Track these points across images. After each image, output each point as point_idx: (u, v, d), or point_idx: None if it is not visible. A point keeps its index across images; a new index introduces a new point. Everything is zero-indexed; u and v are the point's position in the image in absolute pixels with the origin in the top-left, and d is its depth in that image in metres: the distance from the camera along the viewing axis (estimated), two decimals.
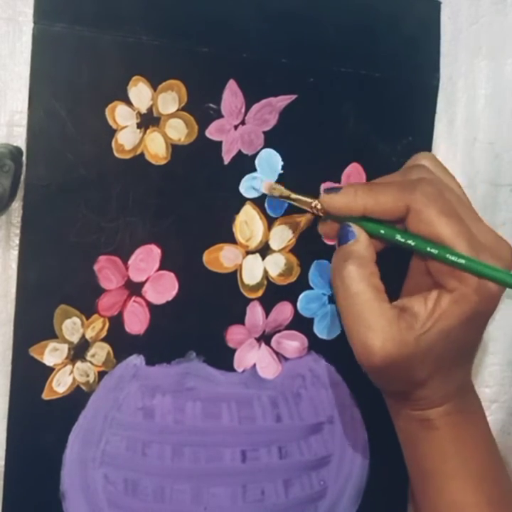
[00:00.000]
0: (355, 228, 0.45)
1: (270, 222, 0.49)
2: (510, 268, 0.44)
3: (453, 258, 0.42)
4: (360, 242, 0.45)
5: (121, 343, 0.47)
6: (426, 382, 0.44)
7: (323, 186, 0.49)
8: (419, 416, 0.46)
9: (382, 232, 0.45)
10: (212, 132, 0.48)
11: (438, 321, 0.42)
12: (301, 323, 0.50)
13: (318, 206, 0.47)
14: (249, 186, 0.48)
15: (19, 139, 0.46)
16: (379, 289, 0.44)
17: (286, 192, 0.47)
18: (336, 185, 0.48)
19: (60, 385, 0.46)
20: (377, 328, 0.42)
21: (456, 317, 0.42)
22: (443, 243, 0.42)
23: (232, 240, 0.48)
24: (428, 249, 0.43)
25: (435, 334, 0.42)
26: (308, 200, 0.47)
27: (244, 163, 0.48)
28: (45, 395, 0.46)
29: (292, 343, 0.50)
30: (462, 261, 0.42)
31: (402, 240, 0.44)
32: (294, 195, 0.47)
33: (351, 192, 0.45)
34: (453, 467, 0.46)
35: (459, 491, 0.45)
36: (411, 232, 0.44)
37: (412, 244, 0.44)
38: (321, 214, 0.47)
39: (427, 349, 0.43)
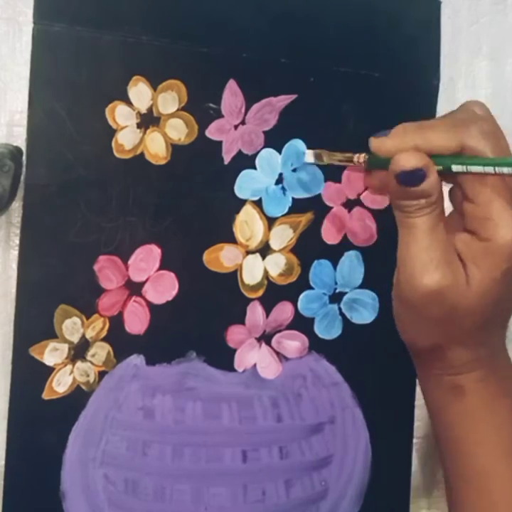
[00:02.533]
0: (426, 167, 0.41)
1: (270, 221, 0.48)
2: None
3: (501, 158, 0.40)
4: (432, 184, 0.41)
5: (121, 342, 0.46)
6: (464, 339, 0.43)
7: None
8: (449, 381, 0.44)
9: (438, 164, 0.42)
10: (212, 132, 0.47)
11: (491, 269, 0.41)
12: (301, 323, 0.49)
13: (361, 160, 0.45)
14: (248, 187, 0.48)
15: (19, 139, 0.45)
16: (441, 229, 0.42)
17: (331, 155, 0.47)
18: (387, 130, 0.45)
19: (60, 384, 0.45)
20: (437, 261, 0.41)
21: (499, 270, 0.41)
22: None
23: (232, 239, 0.48)
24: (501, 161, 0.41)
25: (487, 282, 0.41)
26: (353, 155, 0.46)
27: (245, 163, 0.48)
28: (46, 395, 0.45)
29: (293, 343, 0.49)
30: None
31: (469, 161, 0.42)
32: (339, 155, 0.47)
33: (400, 132, 0.43)
34: (483, 435, 0.44)
35: (489, 459, 0.44)
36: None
37: (484, 161, 0.41)
38: (365, 167, 0.46)
39: (476, 297, 0.41)
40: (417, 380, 0.48)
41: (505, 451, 0.44)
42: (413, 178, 0.41)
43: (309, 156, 0.48)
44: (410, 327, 0.44)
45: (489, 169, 0.41)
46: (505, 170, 0.40)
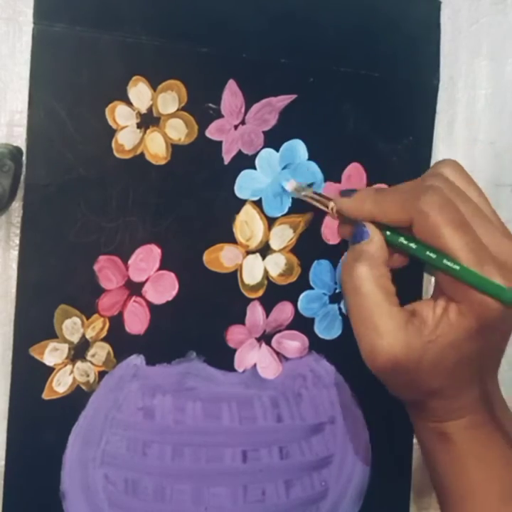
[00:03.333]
0: (370, 228, 0.44)
1: (270, 221, 0.48)
2: None
3: (449, 264, 0.40)
4: (374, 243, 0.43)
5: (121, 342, 0.46)
6: (438, 393, 0.42)
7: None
8: (436, 428, 0.44)
9: (388, 233, 0.44)
10: (212, 132, 0.47)
11: (446, 332, 0.41)
12: (301, 323, 0.49)
13: (335, 209, 0.46)
14: (248, 186, 0.48)
15: (19, 139, 0.45)
16: (389, 291, 0.42)
17: (310, 192, 0.47)
18: (353, 189, 0.47)
19: (60, 384, 0.45)
20: (385, 330, 0.41)
21: (464, 330, 0.40)
22: (445, 252, 0.40)
23: (232, 239, 0.47)
24: (427, 253, 0.41)
25: (444, 344, 0.41)
26: (326, 202, 0.46)
27: (245, 163, 0.47)
28: (46, 395, 0.45)
29: (293, 343, 0.49)
30: (457, 267, 0.40)
31: (405, 243, 0.43)
32: (317, 196, 0.47)
33: (360, 198, 0.44)
34: (472, 485, 0.43)
35: (479, 509, 0.43)
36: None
37: (414, 247, 0.42)
38: (336, 215, 0.47)
39: (436, 358, 0.41)
40: None
41: (495, 506, 0.43)
42: (358, 232, 0.44)
43: (290, 185, 0.47)
44: (382, 381, 0.44)
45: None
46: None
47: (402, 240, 0.43)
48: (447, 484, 0.44)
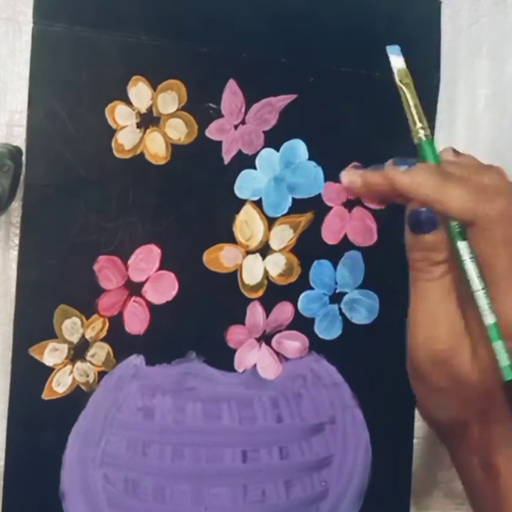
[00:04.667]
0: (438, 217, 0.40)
1: (270, 221, 0.48)
2: None
3: (483, 299, 0.38)
4: (443, 235, 0.40)
5: (121, 343, 0.46)
6: (485, 414, 0.40)
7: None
8: (481, 460, 0.41)
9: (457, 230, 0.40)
10: (212, 132, 0.46)
11: None
12: (301, 323, 0.48)
13: (419, 134, 0.42)
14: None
15: (19, 138, 0.44)
16: (451, 290, 0.40)
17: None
18: (411, 158, 0.42)
19: (59, 385, 0.45)
20: (442, 325, 0.39)
21: None
22: (491, 274, 0.38)
23: (232, 239, 0.47)
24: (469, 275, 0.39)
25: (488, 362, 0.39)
26: (416, 120, 0.43)
27: (245, 163, 0.47)
28: (45, 395, 0.45)
29: (293, 343, 0.48)
30: (492, 321, 0.38)
31: (458, 246, 0.40)
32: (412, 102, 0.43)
33: (421, 177, 0.40)
34: None
35: None
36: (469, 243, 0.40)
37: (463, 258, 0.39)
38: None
39: (480, 374, 0.39)
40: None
41: None
42: (424, 221, 0.39)
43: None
44: (427, 401, 0.42)
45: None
46: None
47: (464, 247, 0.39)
48: None
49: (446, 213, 0.39)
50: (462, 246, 0.39)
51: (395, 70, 0.43)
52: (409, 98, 0.43)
